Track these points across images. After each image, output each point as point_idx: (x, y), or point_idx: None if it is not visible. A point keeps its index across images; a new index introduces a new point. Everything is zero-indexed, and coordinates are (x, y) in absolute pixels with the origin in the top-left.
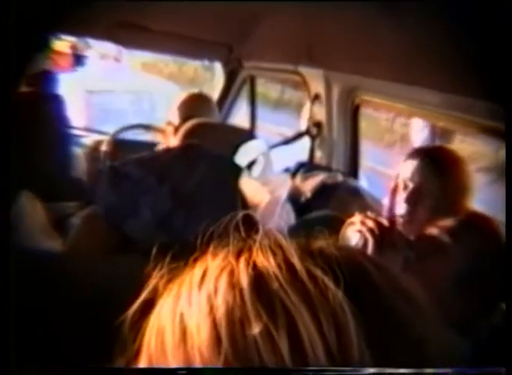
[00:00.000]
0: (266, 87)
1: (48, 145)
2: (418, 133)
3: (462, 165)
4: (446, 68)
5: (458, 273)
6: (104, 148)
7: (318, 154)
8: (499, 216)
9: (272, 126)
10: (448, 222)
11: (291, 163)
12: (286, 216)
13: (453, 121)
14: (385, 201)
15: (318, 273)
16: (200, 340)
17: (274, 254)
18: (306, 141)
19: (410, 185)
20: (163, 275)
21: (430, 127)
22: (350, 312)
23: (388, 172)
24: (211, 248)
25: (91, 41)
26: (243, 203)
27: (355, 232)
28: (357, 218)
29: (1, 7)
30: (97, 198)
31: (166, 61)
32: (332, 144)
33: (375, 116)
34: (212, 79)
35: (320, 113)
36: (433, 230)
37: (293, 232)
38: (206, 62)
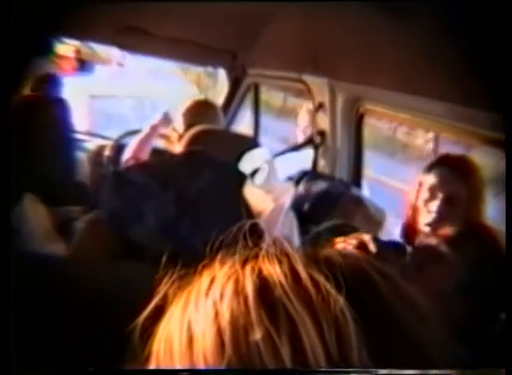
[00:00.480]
0: (269, 95)
1: (51, 149)
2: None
3: (480, 174)
4: (450, 78)
5: (458, 282)
6: (107, 152)
7: (322, 162)
8: (501, 228)
9: (274, 133)
10: (447, 231)
11: (295, 171)
12: (289, 224)
13: (455, 132)
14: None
15: (321, 279)
16: (204, 346)
17: (280, 262)
18: (310, 150)
19: (440, 195)
20: (173, 282)
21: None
22: (352, 318)
23: (389, 181)
24: (219, 257)
25: (95, 46)
26: (247, 210)
27: None
28: (339, 240)
29: (2, 10)
30: (101, 203)
31: (170, 67)
32: (336, 153)
33: (377, 125)
34: (215, 85)
35: (324, 122)
36: (432, 240)
37: (306, 243)
38: (210, 69)
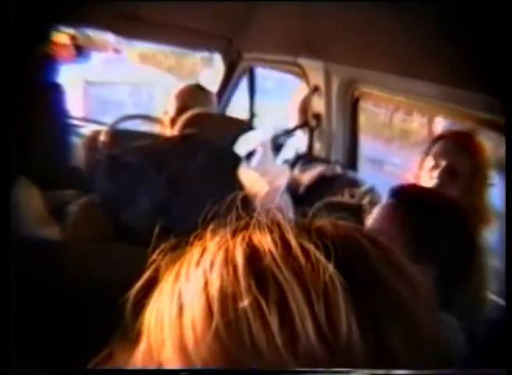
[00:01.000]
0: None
1: (45, 134)
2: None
3: (485, 154)
4: (444, 60)
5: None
6: (102, 138)
7: (317, 146)
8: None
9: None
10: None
11: (290, 155)
12: (284, 207)
13: (451, 114)
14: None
15: (312, 248)
16: (193, 314)
17: (270, 231)
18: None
19: (443, 163)
20: (165, 254)
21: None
22: (341, 286)
23: (387, 166)
24: (210, 227)
25: (91, 33)
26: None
27: None
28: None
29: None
30: (95, 186)
31: (165, 53)
32: (331, 136)
33: (375, 111)
34: (211, 72)
35: (319, 105)
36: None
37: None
38: (205, 54)
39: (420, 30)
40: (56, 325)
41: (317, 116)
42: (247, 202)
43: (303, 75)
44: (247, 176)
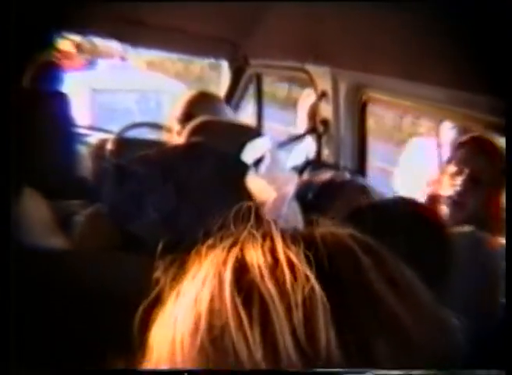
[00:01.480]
0: (274, 86)
1: (51, 143)
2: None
3: (503, 159)
4: (452, 63)
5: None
6: (109, 146)
7: (326, 151)
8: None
9: (279, 125)
10: None
11: (298, 161)
12: (292, 214)
13: (459, 118)
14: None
15: (296, 261)
16: (183, 330)
17: (262, 244)
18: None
19: (467, 170)
20: (168, 270)
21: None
22: (321, 299)
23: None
24: (209, 242)
25: (96, 41)
26: (250, 201)
27: None
28: None
29: (1, 4)
30: (102, 196)
31: (172, 59)
32: (340, 142)
33: (384, 115)
34: (219, 77)
35: (327, 111)
36: None
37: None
38: (212, 60)
39: (426, 33)
40: (63, 334)
41: (325, 122)
42: (256, 212)
43: (310, 81)
44: (255, 183)
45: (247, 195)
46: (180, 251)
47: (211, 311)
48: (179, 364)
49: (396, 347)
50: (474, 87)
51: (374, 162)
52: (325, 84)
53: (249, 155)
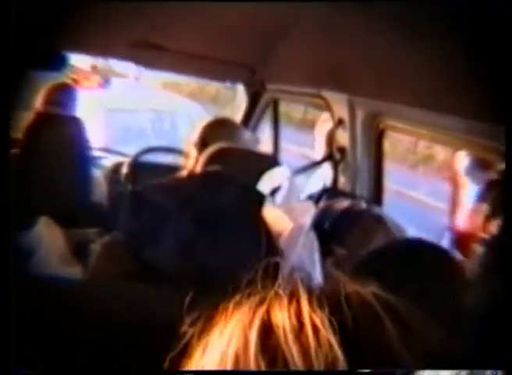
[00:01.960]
0: (289, 107)
1: (66, 170)
2: (461, 162)
3: None
4: (469, 93)
5: None
6: (124, 170)
7: (342, 180)
8: None
9: (295, 146)
10: None
11: (315, 188)
12: (309, 245)
13: (476, 148)
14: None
15: (320, 325)
16: None
17: (289, 305)
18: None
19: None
20: (195, 323)
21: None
22: (345, 363)
23: (411, 193)
24: (237, 297)
25: (111, 61)
26: (266, 231)
27: None
28: None
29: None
30: (118, 223)
31: (187, 80)
32: (356, 170)
33: (398, 137)
34: (234, 98)
35: (343, 138)
36: None
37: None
38: (228, 84)
39: (443, 62)
40: (77, 365)
41: (341, 150)
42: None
43: (326, 107)
44: (272, 213)
45: (264, 226)
46: (208, 305)
47: (235, 371)
48: None
49: None
50: (490, 117)
51: (389, 185)
52: (341, 111)
53: (266, 184)
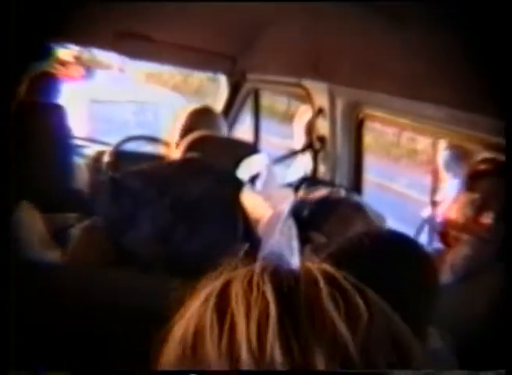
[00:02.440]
0: (272, 100)
1: (48, 156)
2: (442, 155)
3: None
4: (450, 83)
5: None
6: (106, 158)
7: (322, 168)
8: None
9: (277, 139)
10: None
11: (295, 177)
12: (287, 232)
13: (457, 137)
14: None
15: (265, 290)
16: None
17: (244, 277)
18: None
19: (497, 206)
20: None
21: (452, 148)
22: (276, 313)
23: (393, 186)
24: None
25: (95, 52)
26: (244, 217)
27: None
28: None
29: (1, 13)
30: (97, 209)
31: (171, 72)
32: (336, 159)
33: (382, 131)
34: (217, 91)
35: (323, 127)
36: None
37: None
38: (210, 74)
39: (425, 51)
40: (57, 348)
41: (321, 139)
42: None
43: (307, 97)
44: (250, 200)
45: (242, 212)
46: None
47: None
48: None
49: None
50: (475, 107)
51: (371, 177)
52: (322, 100)
53: (245, 171)
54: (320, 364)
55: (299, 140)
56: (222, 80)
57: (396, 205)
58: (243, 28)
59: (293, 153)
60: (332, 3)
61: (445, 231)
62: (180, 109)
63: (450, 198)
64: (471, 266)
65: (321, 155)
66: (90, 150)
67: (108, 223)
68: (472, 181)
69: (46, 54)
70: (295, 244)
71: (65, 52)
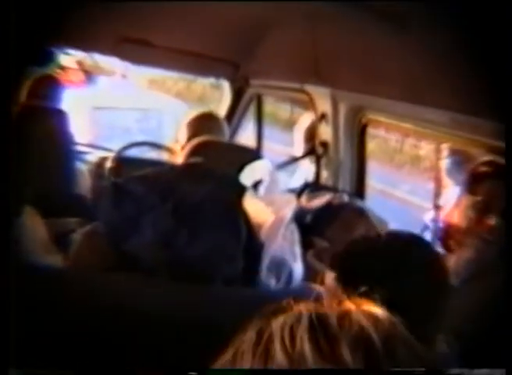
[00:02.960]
0: (275, 107)
1: (51, 160)
2: (444, 162)
3: None
4: (453, 87)
5: None
6: (108, 164)
7: (324, 174)
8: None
9: (280, 146)
10: None
11: (298, 183)
12: (290, 237)
13: (459, 141)
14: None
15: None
16: None
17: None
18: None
19: (497, 208)
20: None
21: (454, 154)
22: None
23: (396, 192)
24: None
25: (98, 58)
26: (247, 223)
27: None
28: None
29: (1, 18)
30: (99, 214)
31: (174, 78)
32: (339, 164)
33: (385, 137)
34: (221, 98)
35: (326, 133)
36: None
37: None
38: (213, 80)
39: (427, 56)
40: (58, 353)
41: (324, 144)
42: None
43: (310, 102)
44: (253, 205)
45: (244, 217)
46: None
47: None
48: None
49: None
50: (477, 112)
51: (373, 183)
52: (325, 106)
53: (248, 176)
54: (346, 354)
55: (299, 146)
56: (225, 87)
57: (398, 211)
58: (245, 33)
59: (296, 159)
60: (334, 8)
61: (447, 236)
62: (183, 116)
63: (452, 203)
64: (473, 269)
65: (323, 161)
66: (93, 156)
67: (110, 229)
68: (473, 184)
69: (48, 60)
70: (297, 249)
71: (68, 58)
